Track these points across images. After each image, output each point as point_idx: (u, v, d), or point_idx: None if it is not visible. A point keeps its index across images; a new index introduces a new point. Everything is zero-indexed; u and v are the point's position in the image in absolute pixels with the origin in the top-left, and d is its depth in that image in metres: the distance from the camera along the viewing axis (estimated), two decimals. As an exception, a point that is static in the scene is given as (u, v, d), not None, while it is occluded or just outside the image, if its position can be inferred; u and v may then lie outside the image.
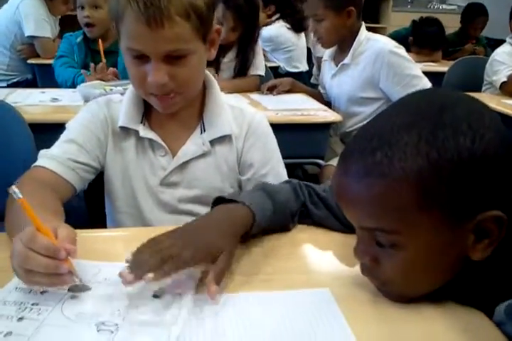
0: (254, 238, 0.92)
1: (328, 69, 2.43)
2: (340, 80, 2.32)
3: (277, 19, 3.70)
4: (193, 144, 1.15)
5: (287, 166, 1.23)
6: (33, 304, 0.72)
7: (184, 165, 1.15)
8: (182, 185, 1.16)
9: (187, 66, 1.01)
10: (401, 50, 2.18)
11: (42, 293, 0.75)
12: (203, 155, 1.15)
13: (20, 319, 0.69)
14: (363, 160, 0.66)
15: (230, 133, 1.15)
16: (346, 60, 2.24)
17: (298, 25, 3.65)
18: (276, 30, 3.63)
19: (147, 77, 1.00)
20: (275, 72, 3.34)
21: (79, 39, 2.69)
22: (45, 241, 0.70)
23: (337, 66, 2.32)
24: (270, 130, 1.22)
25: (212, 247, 0.78)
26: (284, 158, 1.23)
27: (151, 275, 0.70)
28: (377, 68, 2.15)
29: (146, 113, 1.15)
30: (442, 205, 0.63)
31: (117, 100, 1.18)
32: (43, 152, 1.09)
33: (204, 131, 1.15)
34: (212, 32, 1.06)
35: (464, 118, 0.64)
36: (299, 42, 3.72)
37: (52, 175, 1.04)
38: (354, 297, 0.77)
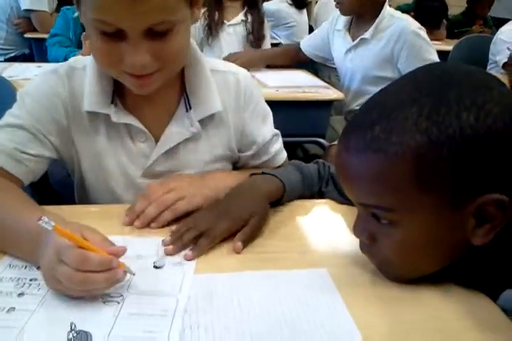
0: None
1: (342, 42, 2.29)
2: (357, 55, 2.22)
3: None
4: (179, 126, 0.98)
5: (287, 145, 1.20)
6: (31, 280, 0.71)
7: (170, 151, 0.99)
8: (168, 174, 1.00)
9: (172, 40, 0.82)
10: (423, 32, 2.12)
11: (38, 268, 0.73)
12: (193, 138, 0.99)
13: (21, 294, 0.68)
14: (362, 135, 0.64)
15: (221, 109, 0.99)
16: (367, 35, 2.15)
17: (300, 1, 3.58)
18: (277, 4, 3.56)
19: (122, 56, 0.81)
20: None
21: (76, 14, 2.63)
22: (98, 258, 0.65)
23: (353, 40, 2.22)
24: (258, 87, 1.12)
25: (244, 214, 0.84)
26: (284, 136, 1.19)
27: (189, 253, 0.78)
28: (399, 47, 2.09)
29: (117, 90, 0.95)
30: (441, 184, 0.61)
31: (80, 66, 0.96)
32: None
33: (190, 108, 0.97)
34: None
35: (470, 94, 0.61)
36: (301, 18, 3.65)
37: None
38: (353, 277, 0.76)
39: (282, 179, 0.94)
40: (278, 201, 0.94)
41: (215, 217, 0.84)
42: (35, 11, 3.23)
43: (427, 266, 0.71)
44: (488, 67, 3.09)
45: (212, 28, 2.47)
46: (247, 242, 0.82)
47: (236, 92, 1.03)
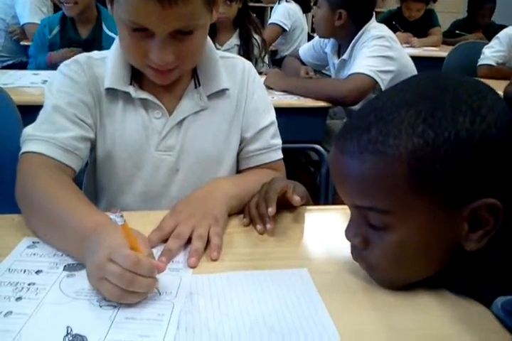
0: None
1: (331, 64, 2.33)
2: (343, 76, 2.20)
3: None
4: (189, 100, 1.06)
5: (284, 152, 1.20)
6: (29, 284, 0.72)
7: (181, 124, 1.06)
8: (180, 149, 1.07)
9: (193, 41, 0.93)
10: (385, 39, 2.04)
11: (37, 272, 0.74)
12: (201, 112, 1.07)
13: (19, 298, 0.69)
14: (357, 137, 0.65)
15: (228, 87, 1.08)
16: (345, 56, 2.15)
17: (305, 5, 3.55)
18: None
19: (148, 52, 0.92)
20: (272, 56, 3.24)
21: (54, 31, 2.52)
22: (149, 264, 0.68)
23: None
24: (261, 81, 1.20)
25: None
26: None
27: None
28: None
29: (134, 75, 1.04)
30: (436, 187, 0.61)
31: (98, 57, 1.06)
32: (28, 131, 0.97)
33: (199, 85, 1.06)
34: None
35: (465, 99, 0.62)
36: (304, 24, 3.63)
37: (50, 162, 0.93)
38: (345, 283, 0.76)
39: None
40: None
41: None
42: (32, 23, 3.23)
43: (419, 271, 0.71)
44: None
45: None
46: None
47: (242, 74, 1.12)
